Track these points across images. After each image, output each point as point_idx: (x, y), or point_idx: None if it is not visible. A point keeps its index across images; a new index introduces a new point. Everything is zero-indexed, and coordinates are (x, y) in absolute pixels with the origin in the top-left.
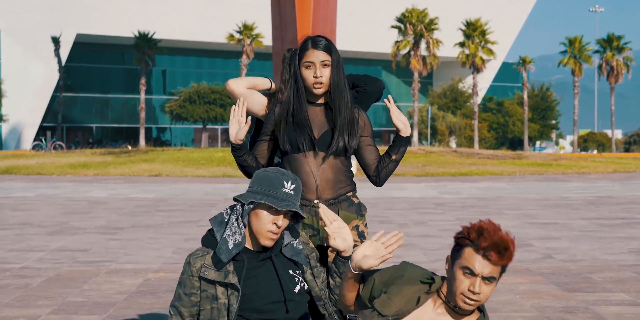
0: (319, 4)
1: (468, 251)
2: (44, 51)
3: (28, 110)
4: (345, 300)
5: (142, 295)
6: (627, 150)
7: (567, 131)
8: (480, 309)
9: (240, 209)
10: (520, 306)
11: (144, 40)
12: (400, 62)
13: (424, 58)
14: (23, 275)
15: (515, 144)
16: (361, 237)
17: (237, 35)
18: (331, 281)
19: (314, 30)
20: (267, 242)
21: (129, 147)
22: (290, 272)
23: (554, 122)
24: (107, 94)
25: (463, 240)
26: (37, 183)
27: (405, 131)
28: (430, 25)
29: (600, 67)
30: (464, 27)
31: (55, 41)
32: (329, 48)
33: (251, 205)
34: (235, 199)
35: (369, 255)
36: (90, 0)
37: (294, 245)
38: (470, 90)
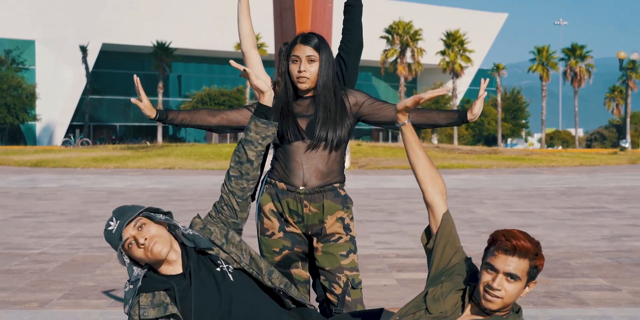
0: (316, 17)
1: (492, 250)
2: (73, 59)
3: (59, 110)
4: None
5: None
6: (588, 146)
7: (535, 129)
8: (516, 311)
9: (121, 256)
10: None
11: (162, 49)
12: (388, 69)
13: (409, 65)
14: (40, 260)
15: (490, 141)
16: (346, 229)
17: None
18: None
19: None
20: (149, 255)
21: (147, 143)
22: (214, 268)
23: (523, 121)
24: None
25: (490, 241)
26: (62, 175)
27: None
28: (415, 36)
29: (565, 73)
30: (444, 38)
31: (84, 50)
32: (318, 45)
33: (118, 252)
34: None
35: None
36: (114, 13)
37: (189, 237)
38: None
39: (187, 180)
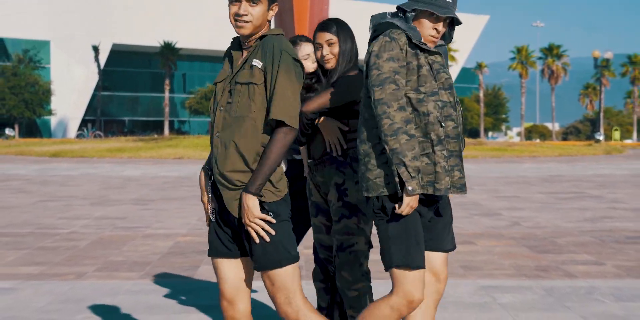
0: (314, 18)
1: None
2: (85, 58)
3: (72, 106)
4: None
5: (173, 255)
6: (564, 139)
7: (515, 124)
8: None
9: (403, 17)
10: (500, 265)
11: (168, 49)
12: None
13: None
14: (71, 238)
15: (473, 134)
16: (342, 193)
17: None
18: None
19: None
20: (430, 45)
21: (155, 136)
22: None
23: (504, 116)
24: (137, 93)
25: None
26: (80, 164)
27: None
28: None
29: (542, 71)
30: None
31: (95, 49)
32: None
33: (414, 13)
34: (398, 8)
35: None
36: (124, 16)
37: None
38: None
39: (196, 168)
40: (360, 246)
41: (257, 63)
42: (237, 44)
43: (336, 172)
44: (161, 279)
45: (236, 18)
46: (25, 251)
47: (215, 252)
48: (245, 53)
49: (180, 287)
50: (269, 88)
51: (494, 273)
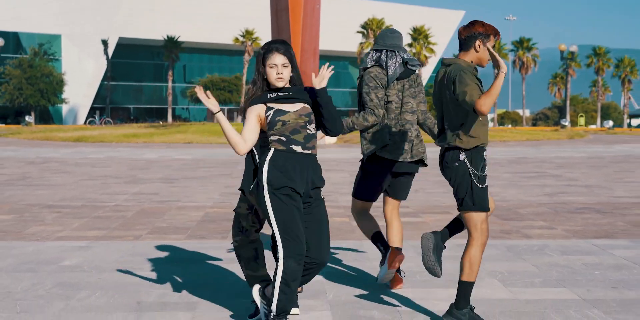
0: (307, 15)
1: (493, 38)
2: (94, 51)
3: (83, 95)
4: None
5: (207, 222)
6: (534, 124)
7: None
8: None
9: None
10: None
11: (171, 42)
12: (364, 59)
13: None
14: (118, 210)
15: None
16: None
17: (241, 39)
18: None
19: (303, 34)
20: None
21: (160, 122)
22: None
23: None
24: (142, 83)
25: (489, 31)
26: (102, 148)
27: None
28: None
29: (514, 62)
30: (411, 32)
31: (104, 43)
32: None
33: None
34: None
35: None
36: (131, 12)
37: None
38: None
39: (206, 152)
40: (242, 210)
41: None
42: None
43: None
44: (203, 239)
45: None
46: (85, 219)
47: None
48: None
49: (219, 245)
50: None
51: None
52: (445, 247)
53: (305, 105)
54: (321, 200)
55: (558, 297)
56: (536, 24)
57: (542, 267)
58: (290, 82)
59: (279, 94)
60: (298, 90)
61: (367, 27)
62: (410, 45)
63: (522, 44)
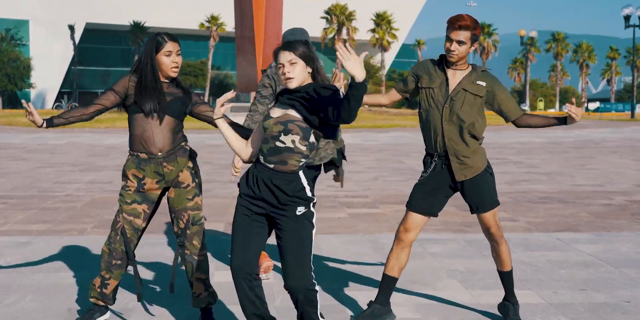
0: (270, 0)
1: (448, 29)
2: (62, 36)
3: (50, 79)
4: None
5: (158, 215)
6: None
7: None
8: (471, 66)
9: None
10: (431, 221)
11: (137, 28)
12: (328, 44)
13: (345, 41)
14: (68, 200)
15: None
16: (194, 176)
17: (207, 24)
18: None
19: (266, 19)
20: None
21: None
22: None
23: None
24: (109, 68)
25: (447, 22)
26: (64, 133)
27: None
28: (350, 17)
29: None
30: (374, 18)
31: (71, 28)
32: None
33: None
34: None
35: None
36: None
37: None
38: (379, 65)
39: None
40: (203, 219)
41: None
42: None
43: (187, 159)
44: (152, 234)
45: None
46: (32, 211)
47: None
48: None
49: (170, 239)
50: None
51: (425, 228)
52: None
53: (290, 110)
54: (295, 218)
55: (522, 301)
56: (496, 10)
57: None
58: (314, 79)
59: (289, 95)
60: (310, 87)
61: (331, 12)
62: (373, 30)
63: (483, 30)
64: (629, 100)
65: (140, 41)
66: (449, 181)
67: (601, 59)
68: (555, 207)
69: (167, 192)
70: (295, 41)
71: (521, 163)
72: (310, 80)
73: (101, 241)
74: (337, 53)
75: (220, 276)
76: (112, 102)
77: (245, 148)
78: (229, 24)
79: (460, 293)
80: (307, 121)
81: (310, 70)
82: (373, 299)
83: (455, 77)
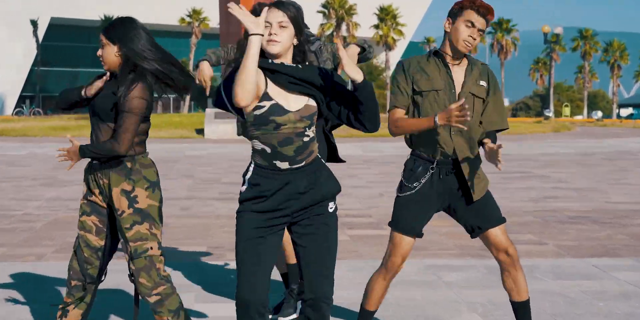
0: None
1: (468, 11)
2: (24, 32)
3: (10, 82)
4: None
5: None
6: (514, 115)
7: None
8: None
9: None
10: (444, 245)
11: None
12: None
13: (344, 38)
14: (26, 220)
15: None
16: (131, 201)
17: (188, 19)
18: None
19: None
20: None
21: None
22: None
23: None
24: (77, 68)
25: (463, 4)
26: (25, 143)
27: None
28: (350, 11)
29: (492, 45)
30: (378, 12)
31: (34, 23)
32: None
33: None
34: None
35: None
36: None
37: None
38: (383, 65)
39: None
40: (155, 251)
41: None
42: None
43: (124, 179)
44: (120, 259)
45: None
46: None
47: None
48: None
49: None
50: None
51: (439, 253)
52: None
53: (310, 100)
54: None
55: None
56: (516, 3)
57: (533, 296)
58: (295, 57)
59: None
60: (309, 69)
61: (328, 6)
62: (376, 26)
63: (500, 26)
64: None
65: None
66: (448, 193)
67: (634, 59)
68: (589, 228)
69: None
70: (290, 2)
71: (547, 177)
72: (290, 54)
73: (63, 268)
74: (339, 54)
75: (204, 308)
76: None
77: (253, 91)
78: (213, 19)
79: None
80: (319, 110)
81: (296, 42)
82: None
83: (456, 75)
